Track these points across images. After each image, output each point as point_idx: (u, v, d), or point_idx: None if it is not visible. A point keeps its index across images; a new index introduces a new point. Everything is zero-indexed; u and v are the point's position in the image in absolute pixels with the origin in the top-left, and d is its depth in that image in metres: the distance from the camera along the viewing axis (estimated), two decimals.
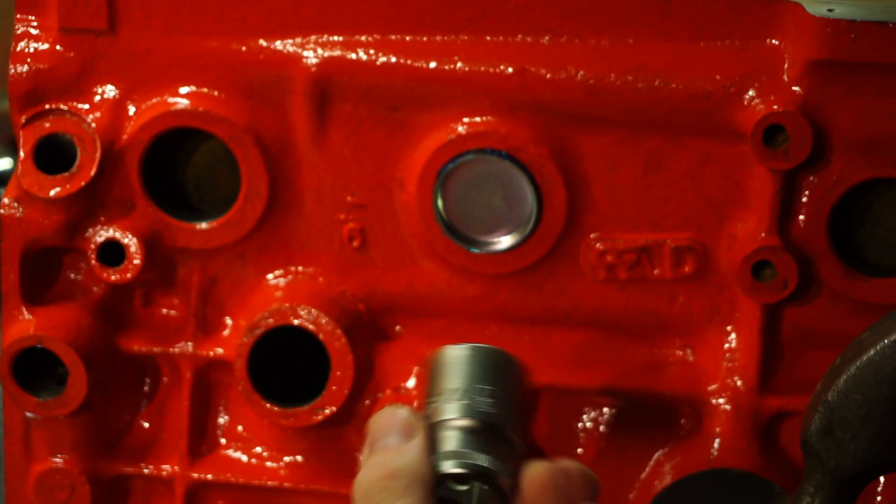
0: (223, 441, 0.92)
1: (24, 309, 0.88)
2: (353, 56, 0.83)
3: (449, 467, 0.69)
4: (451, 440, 0.71)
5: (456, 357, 0.74)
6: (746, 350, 0.84)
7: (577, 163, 0.83)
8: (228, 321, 0.90)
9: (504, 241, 0.85)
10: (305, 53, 0.83)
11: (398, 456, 0.69)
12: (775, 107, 0.79)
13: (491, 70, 0.82)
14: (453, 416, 0.71)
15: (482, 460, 0.69)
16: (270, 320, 0.87)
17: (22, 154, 0.86)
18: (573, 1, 0.81)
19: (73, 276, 0.89)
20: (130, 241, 0.86)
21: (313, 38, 0.83)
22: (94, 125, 0.85)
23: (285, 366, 0.91)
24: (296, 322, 0.87)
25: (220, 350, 0.90)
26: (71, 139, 0.85)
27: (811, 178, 0.81)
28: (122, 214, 0.87)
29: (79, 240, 0.87)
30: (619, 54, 0.81)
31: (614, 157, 0.83)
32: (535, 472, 0.69)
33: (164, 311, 0.90)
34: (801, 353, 0.85)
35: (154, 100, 0.85)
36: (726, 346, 0.85)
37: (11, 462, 0.91)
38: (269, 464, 0.91)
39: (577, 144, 0.83)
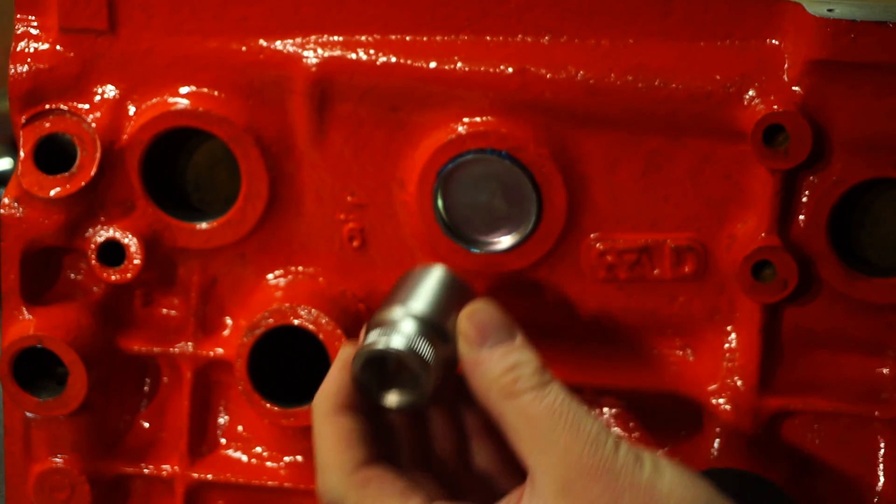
0: (223, 441, 0.92)
1: (24, 309, 0.88)
2: (353, 56, 0.83)
3: (357, 361, 0.72)
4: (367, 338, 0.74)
5: (405, 277, 0.78)
6: (746, 350, 0.84)
7: (577, 163, 0.83)
8: (228, 321, 0.90)
9: (504, 241, 0.85)
10: (305, 53, 0.83)
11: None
12: (775, 107, 0.79)
13: (491, 70, 0.82)
14: (380, 318, 0.74)
15: (381, 343, 0.72)
16: (270, 320, 0.87)
17: (22, 154, 0.86)
18: (573, 1, 0.81)
19: (73, 276, 0.89)
20: (130, 241, 0.86)
21: (313, 38, 0.83)
22: (94, 125, 0.85)
23: (285, 366, 0.91)
24: (296, 322, 0.87)
25: (220, 350, 0.90)
26: (71, 139, 0.85)
27: (811, 178, 0.81)
28: (122, 214, 0.87)
29: (79, 240, 0.87)
30: (619, 54, 0.81)
31: (614, 157, 0.83)
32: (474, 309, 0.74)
33: (164, 311, 0.90)
34: (801, 353, 0.85)
35: (154, 100, 0.85)
36: (726, 346, 0.85)
37: (11, 462, 0.91)
38: (269, 464, 0.92)
39: (577, 144, 0.83)
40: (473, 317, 0.73)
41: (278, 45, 0.84)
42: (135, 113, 0.86)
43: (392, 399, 0.73)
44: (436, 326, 0.74)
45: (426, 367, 0.72)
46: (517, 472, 0.72)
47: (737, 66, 0.80)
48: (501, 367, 0.71)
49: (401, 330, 0.73)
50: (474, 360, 0.72)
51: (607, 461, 0.67)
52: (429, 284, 0.77)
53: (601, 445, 0.68)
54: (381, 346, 0.72)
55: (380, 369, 0.73)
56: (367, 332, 0.74)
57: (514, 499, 0.70)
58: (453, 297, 0.77)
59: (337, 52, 0.83)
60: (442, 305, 0.75)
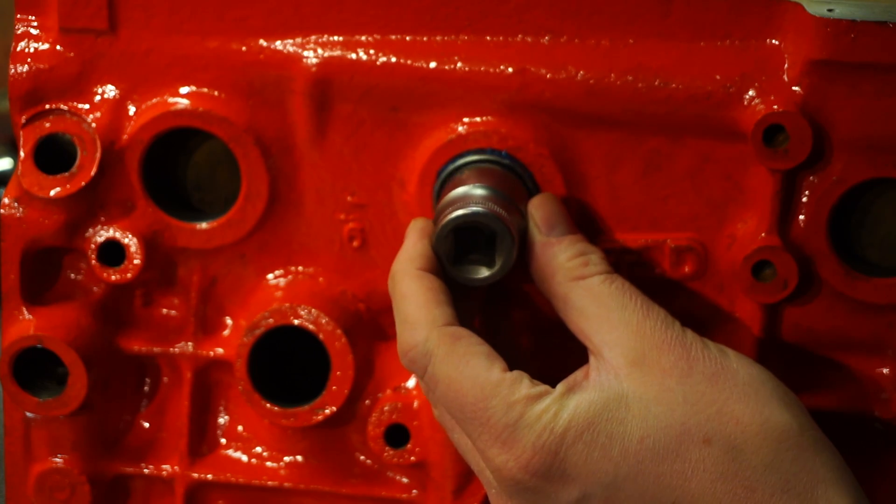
0: (223, 441, 0.92)
1: (24, 309, 0.88)
2: (353, 56, 0.83)
3: (442, 230, 0.76)
4: (442, 213, 0.77)
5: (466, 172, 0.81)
6: (746, 350, 0.84)
7: (577, 163, 0.83)
8: (228, 321, 0.90)
9: None
10: (305, 53, 0.83)
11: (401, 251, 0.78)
12: (775, 107, 0.79)
13: (491, 70, 0.82)
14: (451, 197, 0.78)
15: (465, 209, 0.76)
16: (270, 320, 0.87)
17: (22, 154, 0.86)
18: (573, 1, 0.81)
19: (73, 276, 0.89)
20: (130, 241, 0.86)
21: (313, 38, 0.83)
22: (94, 125, 0.85)
23: (285, 366, 0.91)
24: (296, 322, 0.87)
25: (220, 350, 0.90)
26: (71, 139, 0.85)
27: (811, 178, 0.81)
28: (122, 214, 0.87)
29: (79, 240, 0.87)
30: (619, 54, 0.81)
31: (614, 157, 0.83)
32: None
33: (164, 311, 0.90)
34: (801, 353, 0.85)
35: (154, 100, 0.85)
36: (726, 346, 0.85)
37: (11, 462, 0.91)
38: (269, 464, 0.92)
39: (577, 144, 0.83)
40: (542, 206, 0.79)
41: (278, 45, 0.84)
42: (135, 113, 0.86)
43: (475, 270, 0.76)
44: (512, 200, 0.77)
45: (511, 234, 0.75)
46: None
47: (737, 66, 0.80)
48: (570, 252, 0.76)
49: (482, 201, 0.76)
50: (544, 242, 0.77)
51: (678, 337, 0.71)
52: (487, 175, 0.80)
53: (671, 325, 0.72)
54: (468, 212, 0.75)
55: (456, 243, 0.76)
56: (439, 214, 0.77)
57: (580, 375, 0.72)
58: (513, 184, 0.80)
59: (337, 52, 0.83)
60: (508, 188, 0.79)
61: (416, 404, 0.87)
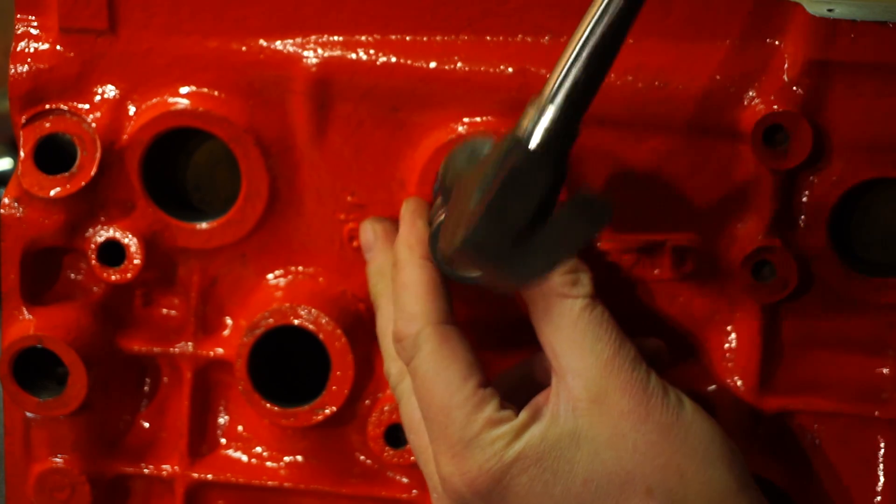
0: (223, 441, 0.92)
1: (24, 309, 0.88)
2: (353, 56, 0.83)
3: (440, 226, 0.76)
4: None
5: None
6: (746, 350, 0.85)
7: (577, 163, 0.83)
8: (228, 321, 0.90)
9: None
10: (305, 53, 0.83)
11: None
12: (775, 107, 0.79)
13: (491, 70, 0.82)
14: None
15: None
16: (270, 320, 0.87)
17: (22, 154, 0.86)
18: (573, 1, 0.81)
19: (73, 276, 0.89)
20: (130, 241, 0.86)
21: (313, 38, 0.83)
22: (94, 125, 0.85)
23: (285, 366, 0.91)
24: (296, 322, 0.87)
25: (220, 350, 0.90)
26: (71, 139, 0.85)
27: (811, 178, 0.81)
28: (122, 214, 0.87)
29: (79, 240, 0.87)
30: (619, 54, 0.81)
31: (614, 156, 0.83)
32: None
33: (164, 311, 0.90)
34: (801, 353, 0.85)
35: (154, 100, 0.85)
36: (726, 346, 0.86)
37: (11, 462, 0.91)
38: (269, 464, 0.92)
39: (577, 144, 0.82)
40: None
41: (278, 45, 0.84)
42: (135, 113, 0.86)
43: (468, 269, 0.77)
44: None
45: None
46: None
47: (737, 66, 0.80)
48: (563, 267, 0.75)
49: None
50: None
51: (642, 381, 0.72)
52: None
53: (638, 366, 0.72)
54: None
55: None
56: (437, 210, 0.77)
57: (541, 399, 0.74)
58: None
59: (337, 52, 0.83)
60: None
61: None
